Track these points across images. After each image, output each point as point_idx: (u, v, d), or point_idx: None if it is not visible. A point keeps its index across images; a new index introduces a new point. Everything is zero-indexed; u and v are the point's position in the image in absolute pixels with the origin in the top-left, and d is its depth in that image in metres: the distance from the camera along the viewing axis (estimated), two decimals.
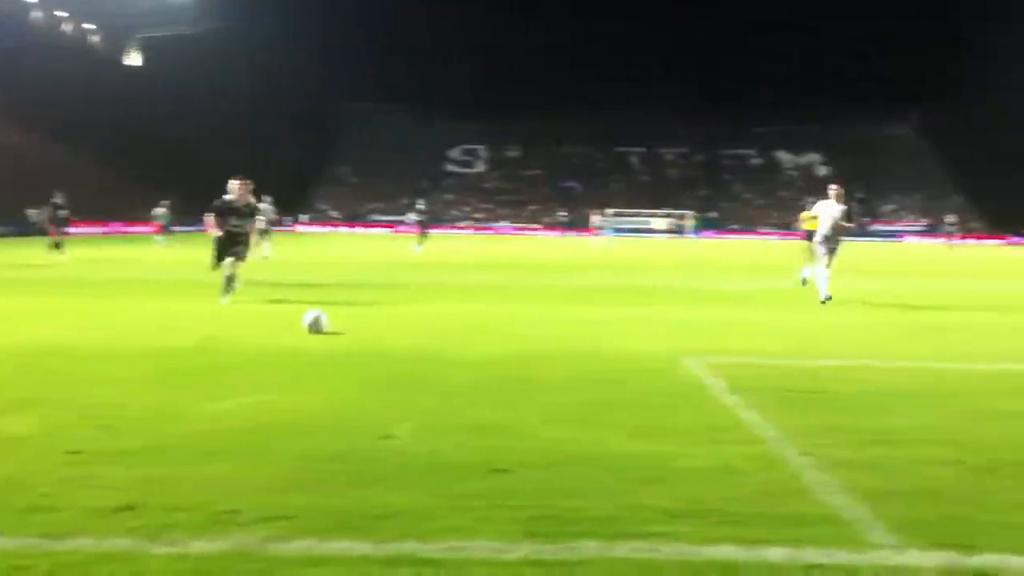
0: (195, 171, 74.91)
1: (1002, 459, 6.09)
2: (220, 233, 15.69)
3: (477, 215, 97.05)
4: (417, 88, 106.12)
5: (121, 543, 4.27)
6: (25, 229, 55.61)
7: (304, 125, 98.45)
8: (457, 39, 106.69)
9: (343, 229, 79.26)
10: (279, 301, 15.78)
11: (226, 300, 15.23)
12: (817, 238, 17.90)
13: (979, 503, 5.16)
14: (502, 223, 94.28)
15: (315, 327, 11.52)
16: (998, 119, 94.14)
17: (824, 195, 18.00)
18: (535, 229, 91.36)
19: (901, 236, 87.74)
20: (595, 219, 62.18)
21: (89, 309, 14.49)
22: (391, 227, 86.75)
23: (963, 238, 54.92)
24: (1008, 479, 5.69)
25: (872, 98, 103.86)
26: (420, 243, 39.43)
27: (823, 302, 16.87)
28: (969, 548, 4.40)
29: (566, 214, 70.62)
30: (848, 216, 17.91)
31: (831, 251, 17.72)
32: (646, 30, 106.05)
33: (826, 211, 17.85)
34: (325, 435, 6.39)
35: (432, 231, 46.21)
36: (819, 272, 17.67)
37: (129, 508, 4.72)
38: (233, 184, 15.92)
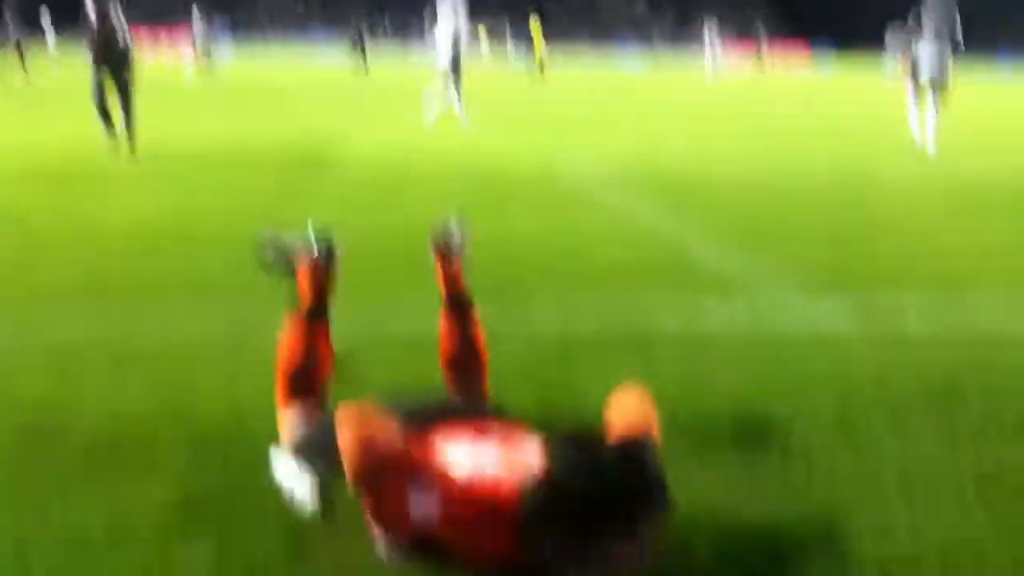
0: None
1: (867, 242, 6.89)
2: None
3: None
4: None
5: (111, 315, 4.43)
6: None
7: None
8: None
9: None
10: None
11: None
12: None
13: (866, 273, 5.89)
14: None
15: None
16: None
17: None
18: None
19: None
20: None
21: None
22: None
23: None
24: (880, 253, 6.47)
25: None
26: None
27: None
28: (868, 307, 5.06)
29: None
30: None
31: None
32: None
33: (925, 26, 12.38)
34: (242, 235, 6.45)
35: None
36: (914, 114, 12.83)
37: (94, 288, 4.87)
38: None
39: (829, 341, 4.41)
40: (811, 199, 8.56)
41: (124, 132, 10.42)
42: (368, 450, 2.37)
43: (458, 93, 14.71)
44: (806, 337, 4.47)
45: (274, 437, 3.02)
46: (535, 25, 31.56)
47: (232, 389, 3.55)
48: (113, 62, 10.31)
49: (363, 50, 29.93)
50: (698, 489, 2.82)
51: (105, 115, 10.45)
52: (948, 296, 5.25)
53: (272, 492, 2.71)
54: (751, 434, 3.26)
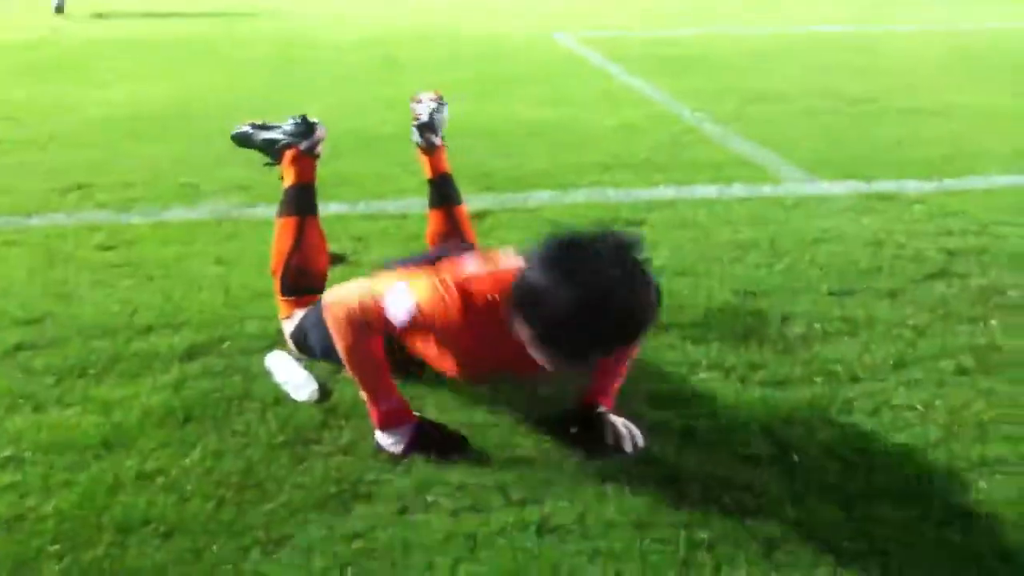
0: None
1: (875, 107, 6.74)
2: None
3: None
4: None
5: (96, 216, 4.32)
6: None
7: None
8: None
9: None
10: None
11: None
12: None
13: (873, 142, 5.76)
14: None
15: None
16: None
17: None
18: None
19: None
20: None
21: None
22: None
23: None
24: (888, 119, 6.35)
25: None
26: None
27: None
28: (868, 178, 4.97)
29: None
30: None
31: None
32: None
33: None
34: (240, 115, 6.31)
35: None
36: None
37: (81, 187, 4.72)
38: None
39: (827, 222, 4.34)
40: (812, 63, 8.36)
41: None
42: (346, 290, 2.39)
43: None
44: (805, 222, 4.39)
45: (268, 338, 3.00)
46: None
47: (225, 284, 3.51)
48: None
49: None
50: (698, 374, 2.81)
51: None
52: (946, 173, 5.13)
53: (269, 396, 2.68)
54: (749, 320, 3.22)
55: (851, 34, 10.59)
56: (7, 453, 2.38)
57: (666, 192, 4.75)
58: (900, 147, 5.62)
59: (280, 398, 2.66)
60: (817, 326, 3.15)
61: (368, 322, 2.30)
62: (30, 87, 7.29)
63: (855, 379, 2.79)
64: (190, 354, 2.92)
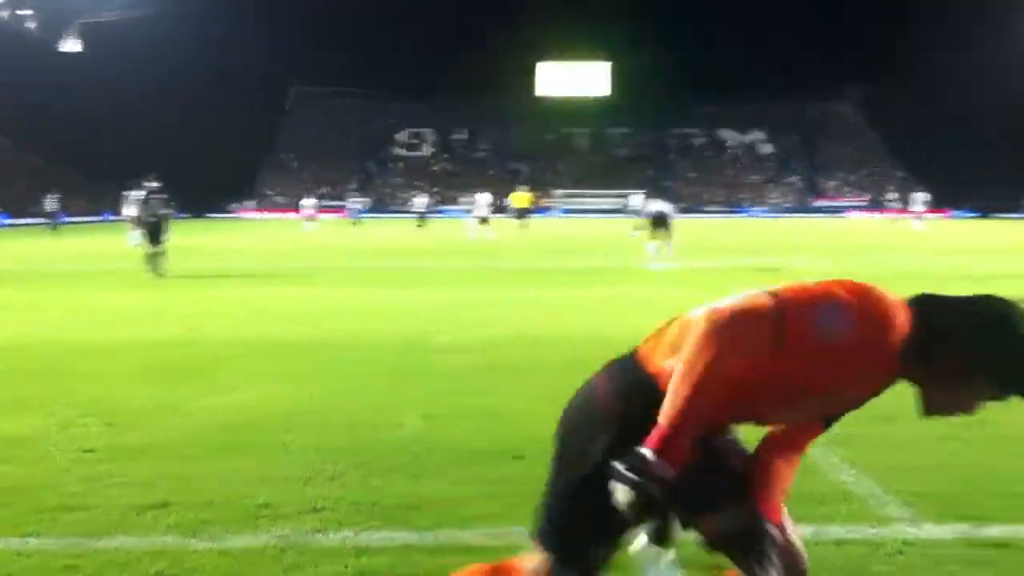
0: (136, 158, 73.23)
1: (998, 434, 6.31)
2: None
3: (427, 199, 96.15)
4: (363, 72, 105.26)
5: (163, 540, 4.29)
6: None
7: (249, 111, 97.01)
8: (402, 21, 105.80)
9: (290, 215, 76.53)
10: (245, 287, 15.71)
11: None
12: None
13: (986, 476, 5.36)
14: (451, 207, 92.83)
15: None
16: (936, 97, 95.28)
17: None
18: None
19: (846, 212, 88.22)
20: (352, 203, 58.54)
21: (47, 302, 14.27)
22: (340, 212, 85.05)
23: (900, 212, 55.19)
24: (1010, 453, 5.91)
25: (814, 76, 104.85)
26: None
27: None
28: (981, 520, 4.57)
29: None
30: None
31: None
32: (589, 14, 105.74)
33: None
34: (335, 427, 6.40)
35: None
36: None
37: (162, 506, 4.74)
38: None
39: None
40: None
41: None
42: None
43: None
44: None
45: None
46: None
47: None
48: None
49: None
50: None
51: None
52: None
53: None
54: None
55: None
56: None
57: None
58: (1019, 481, 5.20)
59: None
60: None
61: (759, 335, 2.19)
62: (144, 390, 7.56)
63: None
64: None
